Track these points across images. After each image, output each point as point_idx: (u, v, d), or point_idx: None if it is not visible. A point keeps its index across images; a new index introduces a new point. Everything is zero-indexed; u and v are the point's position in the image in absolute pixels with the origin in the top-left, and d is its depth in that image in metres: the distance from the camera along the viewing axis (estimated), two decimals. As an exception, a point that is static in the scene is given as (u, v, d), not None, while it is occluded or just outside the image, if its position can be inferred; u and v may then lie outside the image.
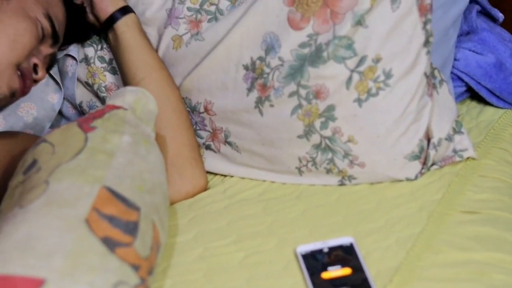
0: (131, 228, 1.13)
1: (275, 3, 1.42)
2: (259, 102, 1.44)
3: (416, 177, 1.41)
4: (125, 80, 1.53)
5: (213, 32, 1.49)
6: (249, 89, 1.45)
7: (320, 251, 1.22)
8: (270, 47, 1.42)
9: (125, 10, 1.54)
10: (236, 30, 1.45)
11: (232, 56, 1.46)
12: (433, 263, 1.19)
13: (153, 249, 1.14)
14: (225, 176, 1.55)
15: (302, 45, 1.39)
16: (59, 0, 1.51)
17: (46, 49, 1.48)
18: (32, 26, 1.43)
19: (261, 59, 1.43)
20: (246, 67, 1.45)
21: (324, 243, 1.24)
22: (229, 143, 1.51)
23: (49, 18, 1.47)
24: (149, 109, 1.33)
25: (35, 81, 1.46)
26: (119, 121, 1.28)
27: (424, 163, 1.42)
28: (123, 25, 1.52)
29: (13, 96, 1.43)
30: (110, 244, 1.08)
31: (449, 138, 1.44)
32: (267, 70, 1.42)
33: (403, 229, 1.28)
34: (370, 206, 1.36)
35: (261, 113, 1.44)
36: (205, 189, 1.49)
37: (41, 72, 1.46)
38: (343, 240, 1.24)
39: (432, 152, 1.42)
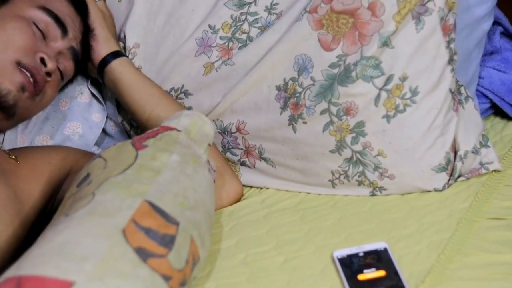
0: (167, 241, 1.17)
1: (305, 29, 1.49)
2: (292, 120, 1.51)
3: (443, 188, 1.48)
4: (136, 116, 1.60)
5: (243, 57, 1.57)
6: (283, 108, 1.52)
7: (356, 255, 1.29)
8: (302, 68, 1.50)
9: (119, 53, 1.62)
10: (268, 57, 1.53)
11: (265, 79, 1.54)
12: (463, 265, 1.25)
13: (189, 263, 1.18)
14: (262, 188, 1.62)
15: (332, 66, 1.47)
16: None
17: (58, 43, 1.51)
18: (23, 25, 1.47)
19: (293, 79, 1.51)
20: (278, 88, 1.53)
21: (360, 248, 1.31)
22: (264, 159, 1.58)
23: (46, 10, 1.50)
24: (204, 132, 1.37)
25: (48, 74, 1.48)
26: (171, 141, 1.33)
27: (451, 175, 1.49)
28: (120, 65, 1.61)
29: (24, 91, 1.45)
30: (143, 254, 1.12)
31: (476, 151, 1.51)
32: (299, 89, 1.50)
33: (433, 234, 1.35)
34: (401, 214, 1.43)
35: (294, 130, 1.52)
36: (242, 195, 1.57)
37: (50, 64, 1.47)
38: (378, 245, 1.31)
39: (458, 164, 1.49)
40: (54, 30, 1.50)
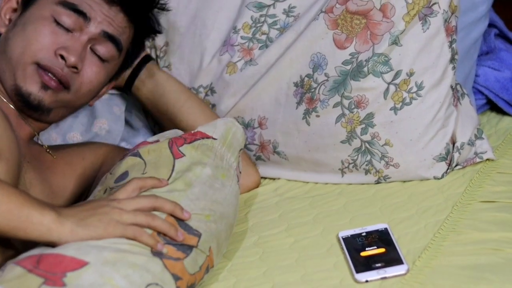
0: (185, 249, 1.25)
1: (320, 28, 1.62)
2: (306, 113, 1.64)
3: (442, 176, 1.60)
4: (166, 108, 1.71)
5: (265, 57, 1.69)
6: (298, 103, 1.65)
7: (359, 235, 1.41)
8: (317, 65, 1.62)
9: (150, 57, 1.74)
10: (286, 55, 1.65)
11: (284, 76, 1.66)
12: (456, 242, 1.37)
13: (202, 269, 1.26)
14: (274, 178, 1.73)
15: (345, 62, 1.59)
16: None
17: (83, 32, 1.53)
18: (42, 25, 1.51)
19: (309, 76, 1.63)
20: (296, 84, 1.65)
21: (363, 229, 1.43)
22: (278, 153, 1.70)
23: (63, 3, 1.53)
24: (237, 138, 1.46)
25: (74, 67, 1.51)
26: (206, 151, 1.40)
27: (450, 164, 1.61)
28: (154, 65, 1.73)
29: (46, 89, 1.49)
30: (160, 254, 1.20)
31: (471, 143, 1.63)
32: (314, 85, 1.62)
33: (430, 216, 1.47)
34: (402, 199, 1.56)
35: (308, 123, 1.64)
36: (259, 183, 1.70)
37: (71, 58, 1.49)
38: (379, 226, 1.43)
39: (456, 155, 1.61)
40: (76, 20, 1.53)
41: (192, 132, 1.43)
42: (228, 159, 1.43)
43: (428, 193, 1.56)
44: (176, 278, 1.20)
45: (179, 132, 1.48)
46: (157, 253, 1.21)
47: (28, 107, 1.50)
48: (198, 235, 1.28)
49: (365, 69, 1.58)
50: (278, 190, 1.68)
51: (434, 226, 1.43)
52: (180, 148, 1.38)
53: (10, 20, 1.58)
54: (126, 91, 1.74)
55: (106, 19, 1.55)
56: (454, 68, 1.62)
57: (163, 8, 1.68)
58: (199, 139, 1.41)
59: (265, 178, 1.75)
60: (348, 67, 1.59)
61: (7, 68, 1.51)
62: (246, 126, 1.73)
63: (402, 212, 1.50)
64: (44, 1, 1.54)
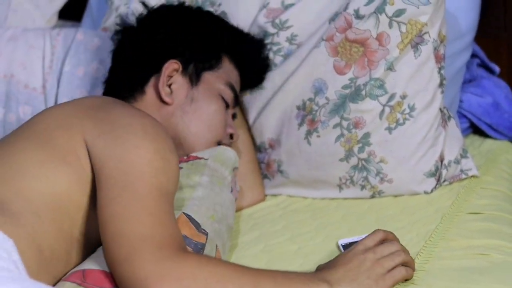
0: (199, 248, 1.36)
1: (322, 56, 1.72)
2: (308, 134, 1.74)
3: (432, 191, 1.72)
4: None
5: (271, 81, 1.80)
6: (300, 124, 1.75)
7: (356, 242, 1.52)
8: (318, 90, 1.73)
9: None
10: (291, 81, 1.76)
11: (288, 100, 1.77)
12: (446, 248, 1.46)
13: None
14: (277, 195, 1.84)
15: (344, 87, 1.70)
16: (233, 67, 1.70)
17: (234, 109, 1.70)
18: (220, 105, 1.64)
19: (310, 99, 1.74)
20: (298, 107, 1.76)
21: (360, 237, 1.49)
22: (281, 171, 1.80)
23: (231, 87, 1.67)
24: (229, 157, 1.59)
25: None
26: (201, 166, 1.53)
27: (438, 180, 1.73)
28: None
29: None
30: None
31: (457, 161, 1.75)
32: (315, 108, 1.73)
33: (421, 226, 1.57)
34: (395, 211, 1.67)
35: (309, 143, 1.74)
36: (264, 198, 1.80)
37: (235, 136, 1.68)
38: (375, 234, 1.54)
39: (444, 171, 1.73)
40: (231, 103, 1.68)
41: (185, 157, 1.53)
42: (222, 172, 1.53)
43: (419, 206, 1.67)
44: None
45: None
46: None
47: None
48: (206, 234, 1.38)
49: (363, 92, 1.68)
50: (281, 204, 1.78)
51: (425, 235, 1.52)
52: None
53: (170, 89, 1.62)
54: None
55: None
56: (442, 92, 1.72)
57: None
58: (192, 160, 1.52)
59: (267, 195, 1.84)
60: (347, 91, 1.70)
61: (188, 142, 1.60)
62: (258, 149, 1.83)
63: (395, 223, 1.60)
64: (213, 77, 1.65)
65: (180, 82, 1.63)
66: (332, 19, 1.75)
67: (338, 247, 1.53)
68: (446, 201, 1.67)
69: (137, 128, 1.35)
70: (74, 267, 1.32)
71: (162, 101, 1.61)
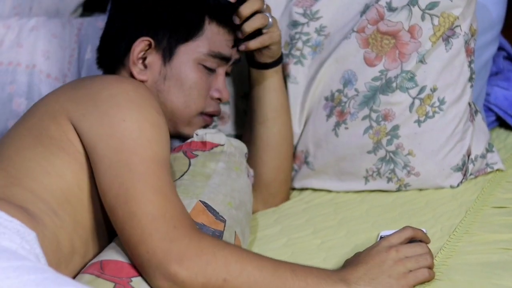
0: (217, 236, 1.37)
1: (352, 47, 1.73)
2: (336, 126, 1.74)
3: (458, 185, 1.71)
4: (252, 115, 1.74)
5: (304, 75, 1.80)
6: (328, 115, 1.76)
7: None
8: (347, 81, 1.73)
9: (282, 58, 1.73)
10: (320, 72, 1.76)
11: (317, 91, 1.78)
12: (469, 243, 1.45)
13: None
14: (301, 189, 1.84)
15: (375, 79, 1.70)
16: (219, 27, 1.60)
17: (226, 67, 1.63)
18: (198, 76, 1.57)
19: (339, 91, 1.74)
20: (326, 98, 1.76)
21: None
22: (307, 163, 1.80)
23: (213, 54, 1.59)
24: (239, 142, 1.60)
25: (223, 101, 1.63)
26: (218, 152, 1.54)
27: (465, 174, 1.72)
28: (275, 71, 1.71)
29: (207, 126, 1.62)
30: None
31: (483, 156, 1.74)
32: (344, 99, 1.73)
33: (446, 220, 1.56)
34: (419, 205, 1.66)
35: (337, 134, 1.75)
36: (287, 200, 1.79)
37: (225, 95, 1.61)
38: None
39: (470, 166, 1.72)
40: (220, 65, 1.62)
41: (201, 142, 1.54)
42: (238, 157, 1.54)
43: (443, 200, 1.66)
44: None
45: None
46: None
47: (178, 138, 1.62)
48: (224, 221, 1.39)
49: (394, 84, 1.69)
50: (304, 199, 1.78)
51: (449, 229, 1.52)
52: (194, 152, 1.50)
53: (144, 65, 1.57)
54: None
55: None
56: (472, 86, 1.72)
57: None
58: (209, 149, 1.53)
59: (293, 189, 1.85)
60: (378, 83, 1.70)
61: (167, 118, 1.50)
62: None
63: (420, 217, 1.60)
64: (189, 49, 1.58)
65: (152, 58, 1.57)
66: (363, 11, 1.76)
67: (378, 238, 1.52)
68: (471, 195, 1.67)
69: (119, 98, 1.33)
70: (92, 259, 1.34)
71: None
